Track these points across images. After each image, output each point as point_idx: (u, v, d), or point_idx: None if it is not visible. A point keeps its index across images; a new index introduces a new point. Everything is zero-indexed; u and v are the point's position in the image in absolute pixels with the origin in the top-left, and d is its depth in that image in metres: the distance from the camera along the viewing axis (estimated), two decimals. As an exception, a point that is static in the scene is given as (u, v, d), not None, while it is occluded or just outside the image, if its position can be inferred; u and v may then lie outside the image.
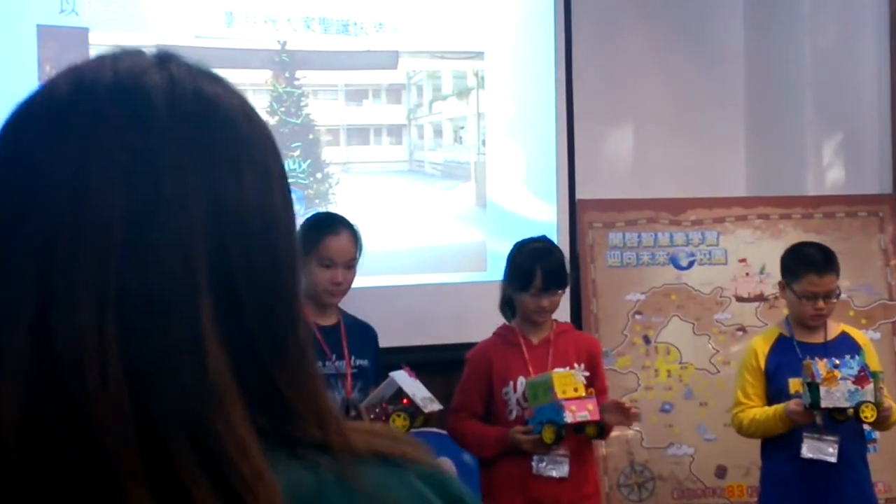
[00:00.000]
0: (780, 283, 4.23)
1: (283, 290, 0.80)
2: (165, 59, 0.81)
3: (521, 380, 3.93)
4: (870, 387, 3.87)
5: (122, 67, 0.79)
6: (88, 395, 0.70)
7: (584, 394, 3.77)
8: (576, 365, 3.91)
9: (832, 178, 5.45)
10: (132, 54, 0.81)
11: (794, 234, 5.04)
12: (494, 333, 4.06)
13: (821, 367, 3.87)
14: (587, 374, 3.89)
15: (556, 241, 4.98)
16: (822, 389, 3.85)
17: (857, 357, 3.96)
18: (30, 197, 0.74)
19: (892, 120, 5.34)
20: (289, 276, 0.82)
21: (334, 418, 0.80)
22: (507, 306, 4.03)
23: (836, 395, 3.86)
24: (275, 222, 0.80)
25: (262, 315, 0.78)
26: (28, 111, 0.78)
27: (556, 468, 3.86)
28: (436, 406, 3.65)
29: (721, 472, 4.92)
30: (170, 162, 0.75)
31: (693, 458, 4.92)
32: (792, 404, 3.98)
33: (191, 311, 0.74)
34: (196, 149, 0.76)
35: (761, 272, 5.03)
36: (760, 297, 5.02)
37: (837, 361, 3.89)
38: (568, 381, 3.77)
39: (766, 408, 4.10)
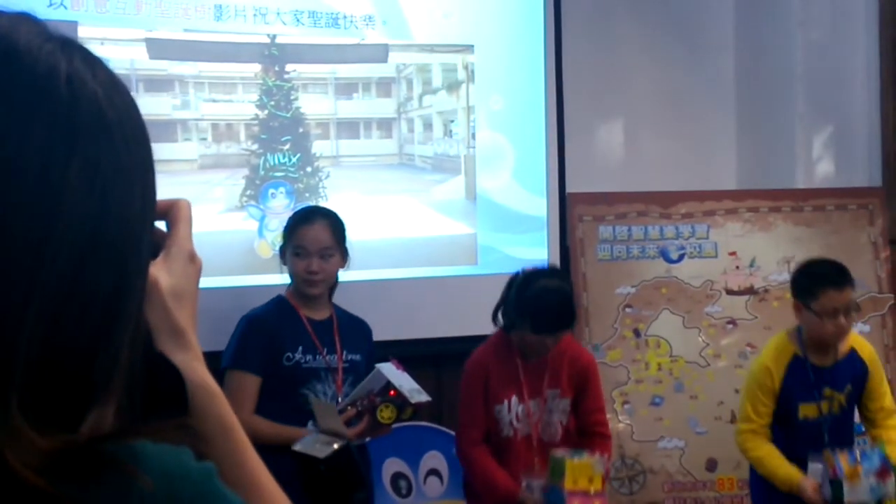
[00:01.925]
0: (795, 306, 4.09)
1: (31, 271, 0.73)
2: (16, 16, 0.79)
3: (514, 399, 3.89)
4: (891, 480, 3.86)
5: None
6: None
7: (598, 487, 3.65)
8: (597, 454, 3.74)
9: (822, 171, 5.46)
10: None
11: (784, 228, 5.05)
12: (490, 342, 3.95)
13: (842, 460, 3.84)
14: (597, 461, 3.74)
15: (545, 235, 5.00)
16: (846, 486, 3.83)
17: (877, 449, 3.96)
18: None
19: (882, 113, 5.34)
20: (51, 255, 0.74)
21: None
22: (506, 319, 3.88)
23: (859, 491, 3.84)
24: (57, 198, 0.74)
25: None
26: None
27: None
28: (423, 397, 3.65)
29: (711, 464, 4.92)
30: None
31: (683, 451, 4.93)
32: (810, 490, 3.92)
33: None
34: None
35: (751, 265, 5.04)
36: (750, 290, 5.03)
37: (858, 455, 3.87)
38: (583, 470, 3.64)
39: (778, 462, 4.04)
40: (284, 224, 4.05)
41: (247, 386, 3.76)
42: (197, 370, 0.95)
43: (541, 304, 3.75)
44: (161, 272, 0.93)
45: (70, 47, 0.79)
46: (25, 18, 0.79)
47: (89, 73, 0.79)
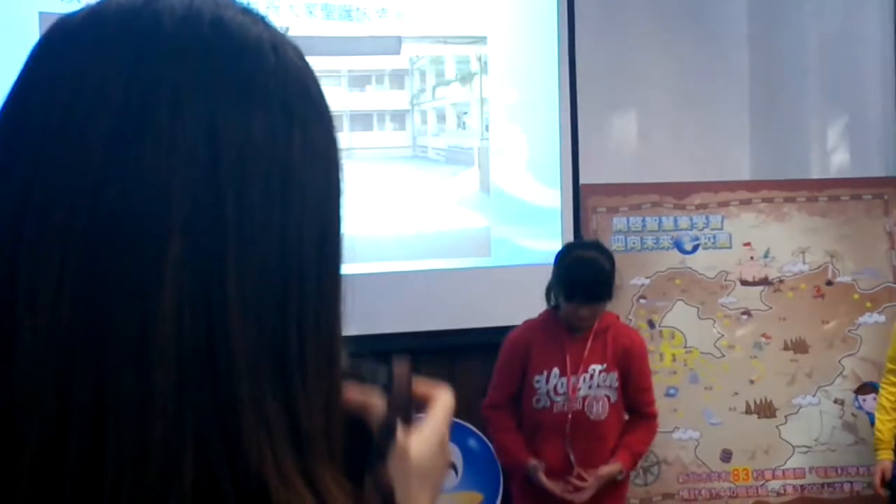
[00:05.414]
0: None
1: (283, 266, 0.68)
2: None
3: (556, 371, 3.92)
4: None
5: None
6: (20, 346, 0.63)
7: None
8: None
9: (837, 161, 5.44)
10: None
11: (798, 218, 5.04)
12: (539, 316, 4.02)
13: None
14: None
15: (560, 227, 4.99)
16: None
17: None
18: (27, 110, 0.70)
19: (897, 102, 5.33)
20: (297, 251, 0.69)
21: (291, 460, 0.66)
22: (552, 296, 3.98)
23: None
24: (288, 176, 0.69)
25: (241, 283, 0.66)
26: (57, 30, 0.74)
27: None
28: None
29: (726, 455, 4.92)
30: (166, 88, 0.67)
31: (698, 442, 4.92)
32: None
33: (152, 253, 0.64)
34: (200, 76, 0.68)
35: (766, 256, 5.02)
36: (765, 281, 5.01)
37: None
38: None
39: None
40: None
41: None
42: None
43: (573, 273, 3.85)
44: (414, 443, 0.88)
45: (263, 19, 0.74)
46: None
47: (282, 40, 0.74)
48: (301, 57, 0.74)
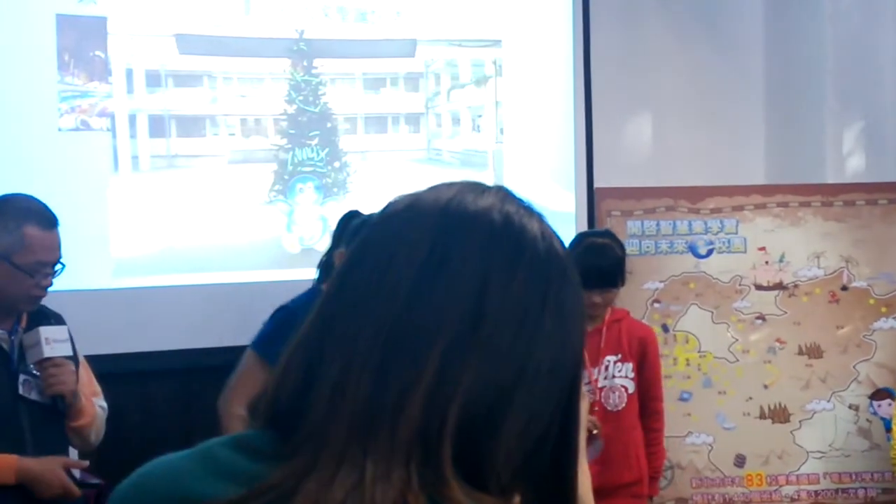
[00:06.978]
0: None
1: (511, 388, 0.92)
2: (497, 190, 1.04)
3: None
4: None
5: (459, 194, 1.01)
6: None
7: None
8: None
9: (852, 165, 5.43)
10: (474, 184, 1.04)
11: (813, 222, 5.02)
12: None
13: None
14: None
15: (574, 230, 4.98)
16: None
17: None
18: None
19: (913, 107, 5.31)
20: (529, 383, 0.93)
21: None
22: None
23: None
24: (538, 324, 0.95)
25: (470, 394, 0.91)
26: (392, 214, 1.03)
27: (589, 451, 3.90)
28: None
29: (740, 460, 4.91)
30: (460, 248, 0.96)
31: (712, 446, 4.91)
32: None
33: (421, 354, 0.91)
34: (486, 245, 0.96)
35: (780, 260, 5.01)
36: (780, 286, 5.00)
37: None
38: None
39: None
40: (338, 226, 3.83)
41: (259, 375, 3.56)
42: (584, 483, 1.12)
43: (586, 259, 3.90)
44: None
45: (539, 216, 1.03)
46: (506, 195, 1.03)
47: (550, 233, 1.01)
48: (562, 244, 1.02)
